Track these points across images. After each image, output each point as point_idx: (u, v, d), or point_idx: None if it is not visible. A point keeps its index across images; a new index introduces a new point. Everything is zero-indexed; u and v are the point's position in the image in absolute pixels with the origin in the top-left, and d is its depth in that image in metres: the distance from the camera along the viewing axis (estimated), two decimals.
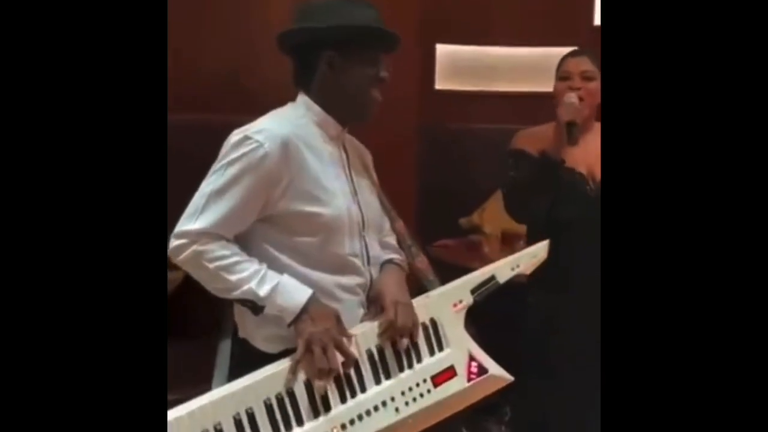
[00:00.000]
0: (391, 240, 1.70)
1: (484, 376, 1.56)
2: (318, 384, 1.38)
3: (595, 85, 2.09)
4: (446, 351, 1.55)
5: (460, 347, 1.56)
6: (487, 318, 3.18)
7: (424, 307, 1.56)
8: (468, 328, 3.00)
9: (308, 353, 1.37)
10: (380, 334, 1.47)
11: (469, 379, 1.54)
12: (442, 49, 3.71)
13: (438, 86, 3.73)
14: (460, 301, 1.59)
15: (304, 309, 1.40)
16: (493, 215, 3.39)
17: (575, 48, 2.22)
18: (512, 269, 1.65)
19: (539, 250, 1.70)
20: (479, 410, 3.15)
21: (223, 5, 2.87)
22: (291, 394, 1.38)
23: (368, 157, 1.73)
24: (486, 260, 3.46)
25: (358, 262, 1.54)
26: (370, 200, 1.62)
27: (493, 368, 1.58)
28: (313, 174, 1.47)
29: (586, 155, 2.11)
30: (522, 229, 2.49)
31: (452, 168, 3.68)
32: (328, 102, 1.54)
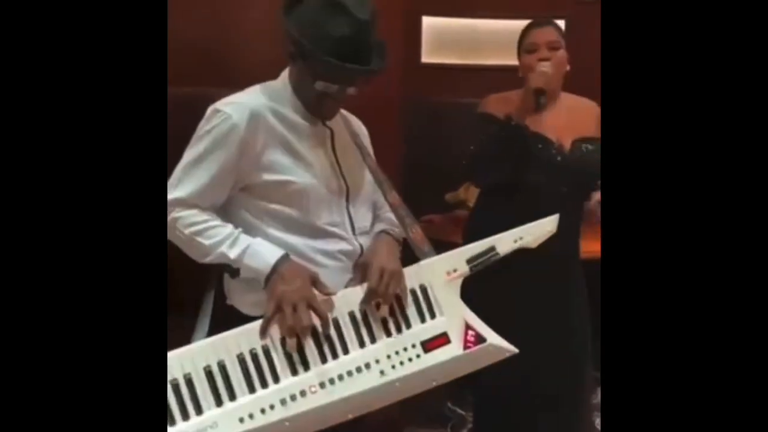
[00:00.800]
0: (389, 214, 1.69)
1: (483, 344, 1.53)
2: (289, 342, 1.38)
3: (562, 54, 2.11)
4: (439, 318, 1.53)
5: (454, 315, 1.54)
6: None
7: (415, 273, 1.54)
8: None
9: (280, 311, 1.38)
10: (363, 300, 1.46)
11: (466, 347, 1.52)
12: (428, 22, 3.67)
13: (424, 59, 3.69)
14: (455, 270, 1.57)
15: (275, 269, 1.41)
16: (477, 190, 3.36)
17: (537, 19, 2.23)
18: (515, 241, 1.63)
19: (547, 224, 1.67)
20: (466, 384, 3.18)
21: None
22: (266, 352, 1.37)
23: (361, 130, 1.73)
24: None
25: (339, 231, 1.54)
26: (358, 171, 1.62)
27: (493, 338, 1.55)
28: (286, 145, 1.49)
29: (555, 123, 2.13)
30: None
31: (439, 142, 3.66)
32: (294, 87, 1.57)
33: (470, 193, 3.48)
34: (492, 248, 1.61)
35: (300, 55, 1.48)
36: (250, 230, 1.49)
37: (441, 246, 3.21)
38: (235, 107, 1.47)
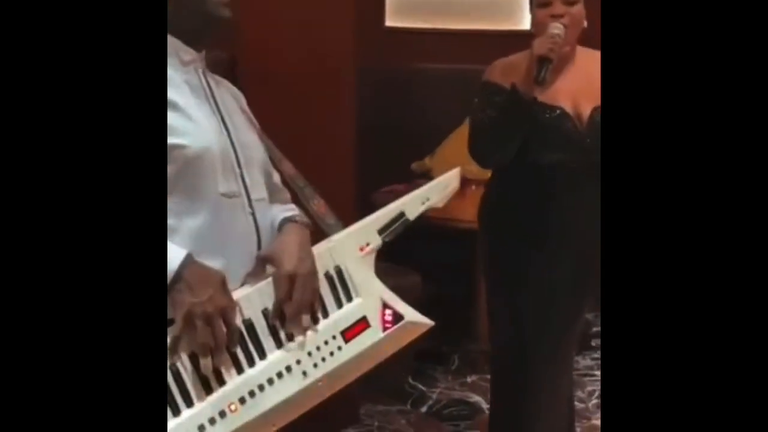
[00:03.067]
0: (285, 194, 1.54)
1: (401, 323, 1.41)
2: (203, 362, 1.21)
3: (579, 9, 1.84)
4: (356, 301, 1.40)
5: (371, 295, 1.41)
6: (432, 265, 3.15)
7: (327, 253, 1.40)
8: (410, 275, 2.95)
9: (189, 327, 1.20)
10: (274, 314, 1.31)
11: (384, 329, 1.40)
12: None
13: (388, 23, 3.57)
14: (367, 244, 1.43)
15: (179, 276, 1.20)
16: (444, 159, 3.28)
17: None
18: (422, 203, 1.48)
19: (450, 180, 1.52)
20: (426, 359, 3.14)
21: None
22: (176, 374, 1.22)
23: (239, 96, 1.54)
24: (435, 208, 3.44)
25: (238, 203, 1.36)
26: (247, 138, 1.44)
27: (410, 314, 1.43)
28: (172, 103, 1.29)
29: (571, 88, 1.90)
30: (474, 173, 2.35)
31: (406, 110, 3.56)
32: (175, 28, 1.34)
33: (434, 162, 3.39)
34: (401, 214, 1.46)
35: None
36: None
37: None
38: None
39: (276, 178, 1.52)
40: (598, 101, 1.88)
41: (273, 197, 1.50)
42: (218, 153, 1.32)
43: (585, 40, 1.92)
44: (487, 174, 2.16)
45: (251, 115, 1.52)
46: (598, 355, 3.20)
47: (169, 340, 1.21)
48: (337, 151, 2.41)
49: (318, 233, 1.45)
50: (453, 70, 3.46)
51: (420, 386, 2.98)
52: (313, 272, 1.36)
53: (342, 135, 2.50)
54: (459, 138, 2.85)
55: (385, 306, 1.41)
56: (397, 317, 1.42)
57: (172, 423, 1.20)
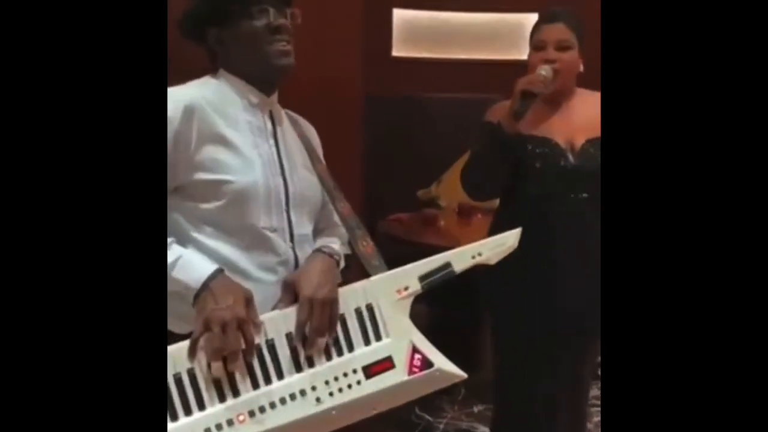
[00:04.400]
0: (340, 230, 1.58)
1: (429, 370, 1.42)
2: (214, 365, 1.26)
3: (572, 55, 1.92)
4: (385, 341, 1.41)
5: (402, 338, 1.42)
6: (438, 294, 3.14)
7: (362, 291, 1.42)
8: (416, 305, 2.95)
9: (207, 332, 1.26)
10: (296, 333, 1.34)
11: (411, 372, 1.40)
12: (399, 15, 3.58)
13: (395, 53, 3.60)
14: (406, 288, 1.44)
15: (205, 285, 1.29)
16: (449, 187, 3.29)
17: (551, 11, 1.99)
18: (473, 257, 1.49)
19: (508, 238, 1.53)
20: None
21: None
22: (192, 376, 1.26)
23: (312, 133, 1.64)
24: (441, 234, 3.43)
25: (277, 237, 1.43)
26: (304, 175, 1.52)
27: (441, 362, 1.43)
28: (225, 141, 1.38)
29: (567, 124, 1.96)
30: (481, 202, 2.37)
31: (412, 138, 3.58)
32: (239, 71, 1.47)
33: (440, 191, 3.40)
34: (447, 264, 1.47)
35: (214, 23, 1.44)
36: (181, 236, 1.37)
37: (410, 247, 3.12)
38: (169, 100, 1.35)
39: (335, 216, 1.57)
40: (592, 135, 1.94)
41: (326, 232, 1.58)
42: (263, 189, 1.40)
43: (588, 80, 1.98)
44: (495, 203, 2.18)
45: (319, 153, 1.60)
46: None
47: (189, 343, 1.27)
48: (345, 178, 2.41)
49: (363, 274, 1.47)
50: (458, 99, 3.49)
51: (427, 417, 2.97)
52: (333, 299, 1.38)
53: (350, 162, 2.51)
54: None
55: (415, 350, 1.41)
56: (427, 363, 1.42)
57: (181, 422, 1.25)
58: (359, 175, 2.56)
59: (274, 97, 1.52)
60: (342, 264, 1.54)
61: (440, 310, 3.10)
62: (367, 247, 1.48)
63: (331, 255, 1.49)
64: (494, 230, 2.16)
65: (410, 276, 1.45)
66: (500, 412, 2.24)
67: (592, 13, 2.03)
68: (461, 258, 1.48)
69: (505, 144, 1.88)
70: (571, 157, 1.95)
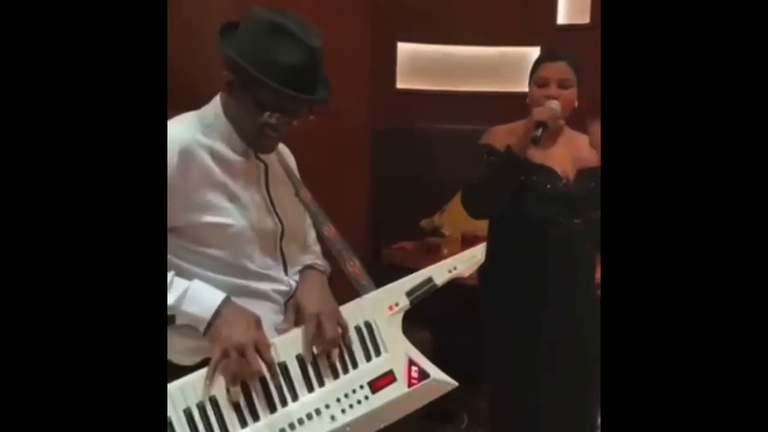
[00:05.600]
0: (315, 248, 1.63)
1: (426, 381, 1.51)
2: (233, 390, 1.29)
3: (571, 93, 2.04)
4: (384, 355, 1.49)
5: (398, 351, 1.50)
6: (441, 321, 3.17)
7: (358, 310, 1.50)
8: (420, 332, 2.98)
9: (225, 358, 1.29)
10: (306, 349, 1.39)
11: (410, 384, 1.49)
12: (403, 48, 3.65)
13: (399, 85, 3.67)
14: (396, 304, 1.54)
15: (218, 313, 1.32)
16: (453, 217, 3.34)
17: (552, 50, 2.15)
18: (449, 271, 1.63)
19: (477, 253, 1.68)
20: (436, 417, 3.13)
21: None
22: (215, 403, 1.29)
23: (290, 158, 1.64)
24: None
25: (272, 273, 1.48)
26: (291, 208, 1.54)
27: (435, 373, 1.52)
28: (219, 184, 1.39)
29: (561, 156, 2.09)
30: (482, 230, 2.43)
31: (415, 169, 3.63)
32: (233, 122, 1.45)
33: (444, 220, 3.44)
34: (429, 279, 1.59)
35: (243, 83, 1.38)
36: (179, 272, 1.37)
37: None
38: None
39: (311, 237, 1.62)
40: (584, 165, 2.10)
41: (306, 251, 1.61)
42: (258, 231, 1.43)
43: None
44: None
45: (298, 178, 1.60)
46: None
47: (207, 370, 1.30)
48: (351, 208, 2.48)
49: (352, 293, 1.53)
50: (461, 131, 3.53)
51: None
52: (336, 310, 1.44)
53: (356, 193, 2.57)
54: None
55: (412, 363, 1.50)
56: (423, 374, 1.50)
57: None
58: (366, 205, 2.61)
59: None
60: (328, 276, 1.60)
61: (442, 338, 3.13)
62: (354, 267, 1.55)
63: (323, 271, 1.56)
64: (490, 253, 2.24)
65: (399, 292, 1.55)
66: None
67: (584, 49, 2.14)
68: (440, 272, 1.62)
69: (517, 168, 1.98)
70: (567, 183, 2.07)
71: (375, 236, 2.92)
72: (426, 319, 3.10)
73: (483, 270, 2.21)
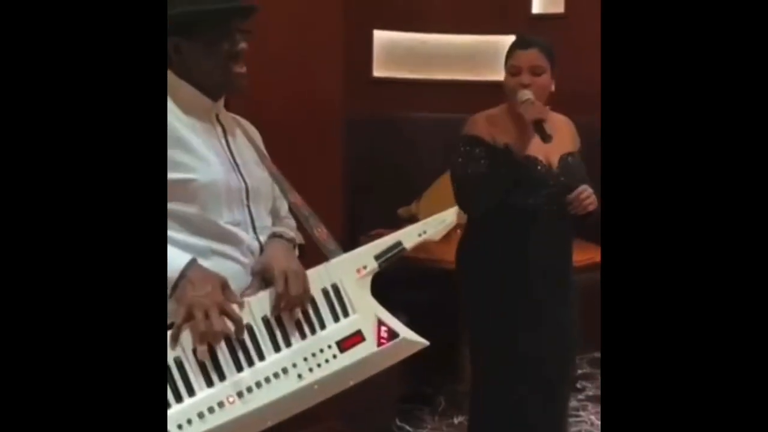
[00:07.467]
0: (289, 221, 1.67)
1: (396, 340, 1.51)
2: (200, 350, 1.31)
3: (545, 79, 2.05)
4: (352, 317, 1.50)
5: (367, 313, 1.51)
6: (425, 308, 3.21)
7: (325, 272, 1.51)
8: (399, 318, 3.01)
9: (191, 318, 1.32)
10: (273, 307, 1.42)
11: (380, 344, 1.49)
12: (379, 36, 3.67)
13: (376, 73, 3.68)
14: (365, 267, 1.55)
15: (183, 275, 1.35)
16: (430, 204, 3.36)
17: (523, 38, 2.13)
18: (419, 235, 1.63)
19: (446, 216, 1.67)
20: (413, 400, 3.17)
21: None
22: (179, 364, 1.31)
23: (255, 133, 1.70)
24: (421, 249, 3.48)
25: (240, 231, 1.50)
26: (256, 171, 1.58)
27: (405, 332, 1.53)
28: (182, 142, 1.43)
29: (543, 145, 2.06)
30: (461, 217, 2.45)
31: (392, 157, 3.65)
32: (192, 80, 1.51)
33: (421, 208, 3.47)
34: (398, 243, 1.60)
35: (190, 36, 1.46)
36: None
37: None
38: None
39: (284, 210, 1.66)
40: (562, 150, 2.12)
41: (278, 223, 1.64)
42: (224, 186, 1.46)
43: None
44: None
45: (262, 148, 1.65)
46: (583, 396, 3.25)
47: (172, 331, 1.31)
48: (326, 196, 2.47)
49: (321, 258, 1.55)
50: (437, 119, 3.57)
51: (407, 427, 2.99)
52: (302, 271, 1.47)
53: (330, 181, 2.57)
54: (444, 184, 2.92)
55: (381, 323, 1.51)
56: (393, 334, 1.51)
57: (174, 408, 1.29)
58: (340, 193, 2.62)
59: (221, 102, 1.58)
60: (296, 250, 1.62)
61: (421, 326, 3.16)
62: (321, 233, 1.58)
63: (289, 239, 1.59)
64: (466, 243, 2.27)
65: (367, 256, 1.56)
66: (475, 422, 2.32)
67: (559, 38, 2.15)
68: (409, 236, 1.62)
69: (515, 165, 2.03)
70: (552, 169, 2.09)
71: (352, 224, 2.94)
72: (404, 305, 3.15)
73: (464, 256, 2.27)
